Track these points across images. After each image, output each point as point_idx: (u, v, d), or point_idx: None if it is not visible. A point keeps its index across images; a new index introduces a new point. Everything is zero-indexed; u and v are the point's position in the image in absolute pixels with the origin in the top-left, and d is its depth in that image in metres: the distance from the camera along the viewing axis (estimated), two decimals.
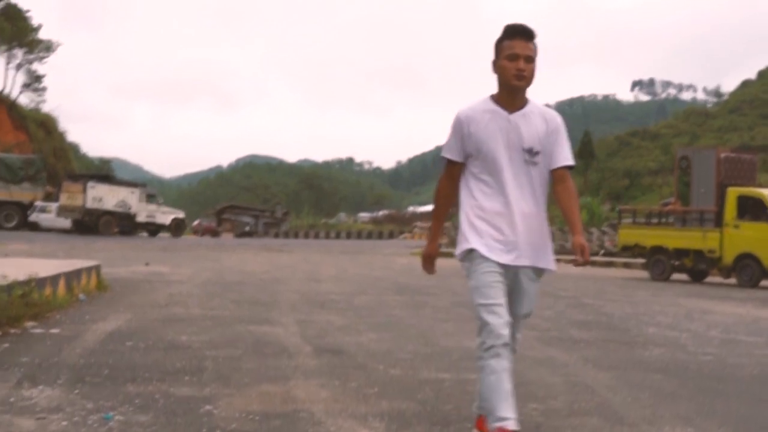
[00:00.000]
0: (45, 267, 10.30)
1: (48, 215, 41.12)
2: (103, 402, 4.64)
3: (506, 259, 3.81)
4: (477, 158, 3.88)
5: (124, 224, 40.38)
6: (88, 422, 4.18)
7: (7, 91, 62.45)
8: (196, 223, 68.14)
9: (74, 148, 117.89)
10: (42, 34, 64.60)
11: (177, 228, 43.35)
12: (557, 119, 3.94)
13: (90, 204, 38.33)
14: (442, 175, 4.04)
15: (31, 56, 64.20)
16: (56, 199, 40.82)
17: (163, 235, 43.08)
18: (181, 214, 44.58)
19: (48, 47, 65.16)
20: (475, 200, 3.89)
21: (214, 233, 60.06)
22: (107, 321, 8.28)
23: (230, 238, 53.18)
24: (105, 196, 39.07)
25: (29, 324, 7.65)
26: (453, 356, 6.77)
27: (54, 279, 9.40)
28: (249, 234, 58.94)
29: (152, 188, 46.36)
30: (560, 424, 4.52)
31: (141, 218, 41.18)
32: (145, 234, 42.57)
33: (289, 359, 6.36)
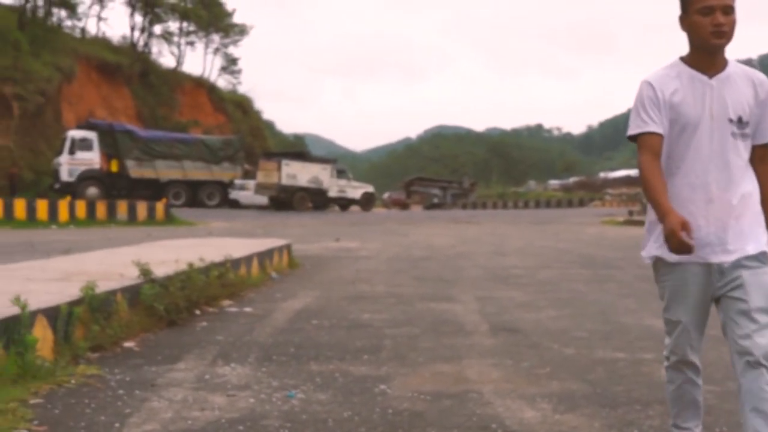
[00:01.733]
0: (240, 247, 10.97)
1: (246, 193, 43.34)
2: (287, 380, 4.98)
3: (707, 256, 3.21)
4: (673, 132, 3.26)
5: (316, 200, 41.89)
6: (272, 400, 4.51)
7: (206, 75, 66.06)
8: (385, 196, 69.54)
9: (270, 126, 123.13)
10: (236, 19, 67.84)
11: (367, 202, 44.52)
12: (766, 82, 3.30)
13: (285, 181, 40.02)
14: (641, 155, 3.27)
15: (227, 40, 67.62)
16: (254, 177, 42.94)
17: (354, 209, 44.33)
18: (370, 188, 45.73)
19: (242, 30, 68.37)
20: (668, 186, 3.24)
21: (404, 206, 61.10)
22: (296, 299, 8.75)
23: (419, 211, 53.97)
24: (298, 173, 40.67)
25: (225, 303, 8.22)
26: (631, 335, 6.69)
27: (248, 259, 10.01)
28: (437, 206, 59.54)
29: (342, 164, 47.71)
30: (734, 408, 4.42)
31: (332, 193, 42.58)
32: (336, 208, 43.95)
33: (465, 338, 6.51)
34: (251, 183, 42.98)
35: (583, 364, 5.54)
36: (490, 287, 10.06)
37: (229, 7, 68.72)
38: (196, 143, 41.53)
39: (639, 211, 36.10)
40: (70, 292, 5.81)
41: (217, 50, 67.53)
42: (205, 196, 41.16)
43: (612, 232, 23.56)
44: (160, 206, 27.26)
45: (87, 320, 5.66)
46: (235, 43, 68.58)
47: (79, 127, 39.49)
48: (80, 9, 55.75)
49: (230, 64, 69.53)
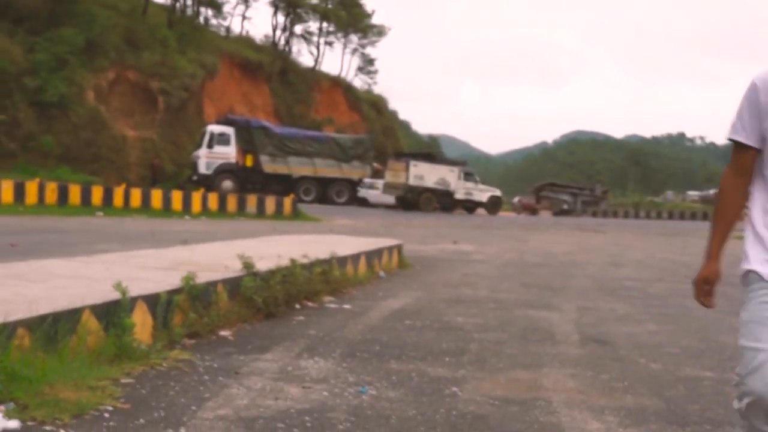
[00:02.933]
0: (350, 245, 11.25)
1: (375, 191, 43.99)
2: (364, 376, 5.16)
3: None
4: None
5: (443, 201, 42.10)
6: (344, 394, 4.70)
7: (343, 74, 67.32)
8: (515, 200, 69.05)
9: (405, 126, 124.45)
10: (375, 20, 68.85)
11: (493, 205, 44.43)
12: None
13: (412, 181, 40.43)
14: (727, 166, 2.92)
15: (365, 41, 68.71)
16: (383, 177, 43.53)
17: (480, 212, 44.27)
18: (497, 192, 45.63)
19: (380, 32, 69.32)
20: None
21: (533, 211, 60.58)
22: (397, 298, 8.93)
23: (547, 216, 53.39)
24: (426, 174, 40.98)
25: (327, 299, 8.49)
26: (725, 353, 6.54)
27: (355, 257, 10.26)
28: (567, 212, 58.74)
29: (470, 167, 47.71)
30: None
31: (459, 195, 42.70)
32: (463, 211, 43.99)
33: (552, 346, 6.53)
34: (380, 182, 43.58)
35: (665, 381, 5.48)
36: (595, 298, 9.96)
37: (368, 8, 69.88)
38: (328, 141, 42.44)
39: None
40: (173, 281, 6.17)
41: (354, 50, 68.84)
42: (334, 194, 42.01)
43: (740, 247, 22.65)
44: (287, 201, 28.04)
45: (186, 308, 6.00)
46: (372, 43, 69.69)
47: (218, 122, 41.05)
48: (226, 8, 58.02)
49: (367, 65, 70.67)
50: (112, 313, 5.11)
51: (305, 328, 6.79)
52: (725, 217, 2.90)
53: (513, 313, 8.34)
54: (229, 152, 38.67)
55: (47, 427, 3.76)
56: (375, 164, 45.57)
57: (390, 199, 42.53)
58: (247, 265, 7.16)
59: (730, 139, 2.82)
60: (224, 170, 38.28)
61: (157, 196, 26.14)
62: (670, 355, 6.41)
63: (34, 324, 4.49)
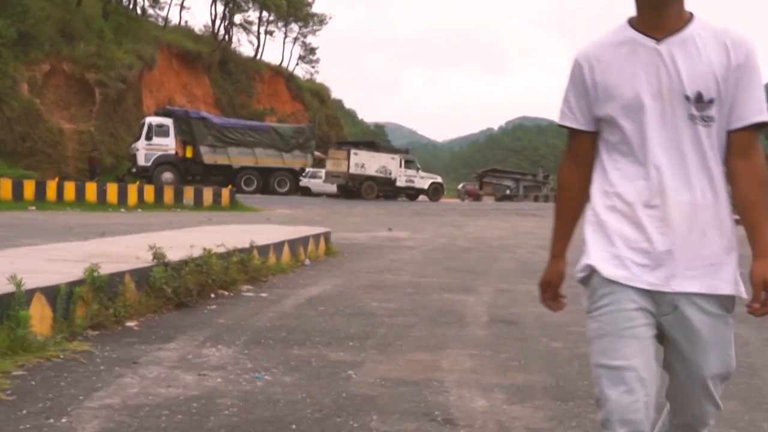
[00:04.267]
0: (274, 235, 11.26)
1: (317, 181, 43.92)
2: (263, 362, 5.20)
3: (654, 281, 2.35)
4: (611, 120, 2.43)
5: (385, 189, 42.20)
6: (239, 381, 4.73)
7: (285, 64, 67.00)
8: (459, 186, 69.45)
9: (351, 115, 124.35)
10: (319, 8, 68.65)
11: (434, 192, 44.63)
12: (746, 45, 2.35)
13: (353, 170, 40.42)
14: (563, 155, 2.61)
15: (306, 30, 68.39)
16: (325, 166, 43.49)
17: (423, 199, 44.48)
18: (438, 179, 45.82)
19: (321, 20, 69.07)
20: (609, 184, 2.44)
21: (476, 197, 60.99)
22: (317, 286, 8.97)
23: (490, 202, 53.80)
24: (367, 163, 41.01)
25: (244, 287, 8.50)
26: None
27: (277, 246, 10.27)
28: (509, 197, 59.26)
29: (414, 155, 47.88)
30: None
31: (401, 183, 42.81)
32: (404, 198, 44.16)
33: (460, 328, 6.64)
34: (322, 171, 43.53)
35: (562, 358, 5.61)
36: (515, 280, 10.11)
37: None
38: (268, 131, 42.21)
39: None
40: (78, 273, 6.13)
41: (296, 39, 68.49)
42: (276, 183, 41.86)
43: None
44: (225, 192, 27.87)
45: (89, 299, 5.97)
46: (314, 32, 69.38)
47: (156, 113, 40.62)
48: None
49: (309, 54, 70.36)
50: (5, 306, 5.07)
51: (215, 317, 6.80)
52: (568, 212, 2.60)
53: (429, 297, 8.43)
54: (168, 144, 38.28)
55: None
56: (317, 153, 45.49)
57: (332, 188, 42.50)
58: (158, 255, 7.14)
59: (560, 126, 2.55)
60: (164, 162, 37.90)
61: (91, 190, 25.80)
62: (574, 333, 6.54)
63: None
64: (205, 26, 61.82)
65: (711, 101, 2.33)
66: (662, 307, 2.36)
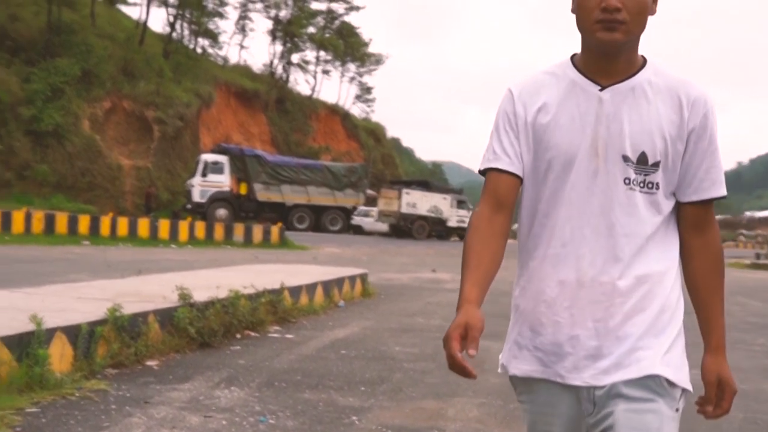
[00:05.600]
0: (310, 275, 11.40)
1: (369, 219, 44.14)
2: (271, 405, 5.30)
3: (567, 375, 2.02)
4: (537, 172, 2.07)
5: (437, 228, 42.29)
6: (243, 423, 4.84)
7: (341, 102, 67.82)
8: (515, 227, 69.01)
9: (408, 154, 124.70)
10: (377, 48, 69.50)
11: None
12: (704, 105, 2.01)
13: (405, 209, 40.62)
14: (478, 204, 2.12)
15: (363, 69, 69.26)
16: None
17: None
18: None
19: (378, 60, 69.94)
20: (528, 256, 2.20)
21: None
22: (344, 328, 9.06)
23: None
24: (418, 202, 41.19)
25: (273, 328, 8.63)
26: None
27: (310, 287, 10.40)
28: None
29: (463, 195, 47.86)
30: None
31: (452, 223, 42.85)
32: (456, 239, 44.13)
33: (478, 375, 6.63)
34: (375, 210, 43.78)
35: None
36: None
37: (365, 37, 70.52)
38: (321, 169, 42.69)
39: (767, 254, 34.71)
40: (102, 312, 6.32)
41: (352, 79, 69.33)
42: (327, 221, 42.22)
43: (731, 276, 22.73)
44: (275, 230, 28.17)
45: (111, 338, 6.15)
46: (370, 72, 70.28)
47: (212, 151, 41.39)
48: (223, 38, 58.65)
49: (365, 93, 71.18)
50: (26, 344, 5.26)
51: (236, 358, 6.92)
52: (476, 251, 2.09)
53: None
54: (222, 181, 38.96)
55: None
56: (370, 192, 45.79)
57: (384, 227, 42.69)
58: (183, 296, 7.32)
59: (486, 170, 2.10)
60: (218, 198, 38.55)
61: (144, 225, 26.30)
62: None
63: None
64: (263, 65, 62.86)
65: (656, 164, 1.97)
66: (585, 402, 2.01)
